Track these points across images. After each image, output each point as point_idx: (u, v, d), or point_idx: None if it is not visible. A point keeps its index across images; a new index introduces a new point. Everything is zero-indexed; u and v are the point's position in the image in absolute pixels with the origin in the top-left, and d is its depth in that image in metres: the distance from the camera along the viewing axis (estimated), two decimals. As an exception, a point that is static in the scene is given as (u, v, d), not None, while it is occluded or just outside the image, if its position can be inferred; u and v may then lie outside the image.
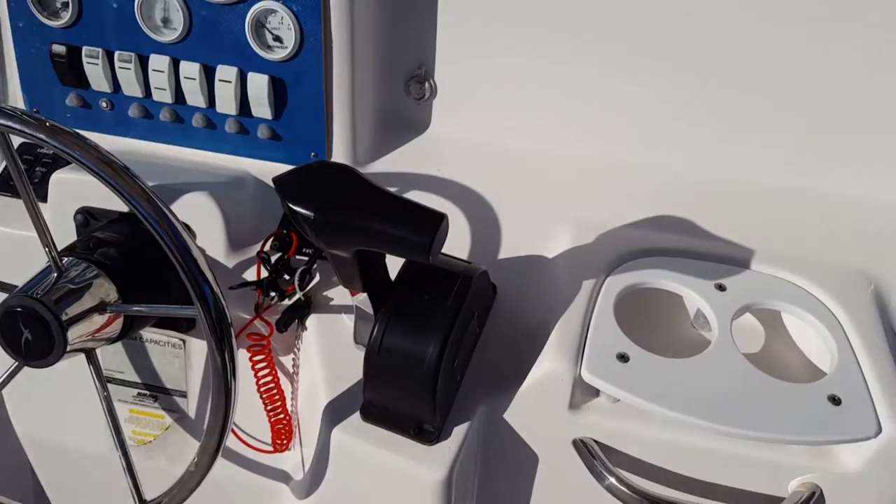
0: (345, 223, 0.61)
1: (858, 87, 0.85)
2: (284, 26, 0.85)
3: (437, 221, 0.60)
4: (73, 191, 0.84)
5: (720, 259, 0.82)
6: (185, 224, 0.82)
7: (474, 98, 0.96)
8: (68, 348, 0.70)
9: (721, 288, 0.78)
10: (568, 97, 0.93)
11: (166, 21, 0.87)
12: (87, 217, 0.86)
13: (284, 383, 0.86)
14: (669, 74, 0.89)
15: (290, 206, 0.61)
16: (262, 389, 0.83)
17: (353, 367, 0.73)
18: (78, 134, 0.62)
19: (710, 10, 0.84)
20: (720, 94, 0.89)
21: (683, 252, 0.82)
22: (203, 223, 0.84)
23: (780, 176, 0.92)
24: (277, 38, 0.86)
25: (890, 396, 0.69)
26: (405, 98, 0.98)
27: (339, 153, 0.91)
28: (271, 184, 0.64)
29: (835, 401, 0.69)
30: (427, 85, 0.96)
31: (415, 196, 0.89)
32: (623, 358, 0.71)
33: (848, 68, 0.85)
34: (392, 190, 0.64)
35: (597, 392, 0.73)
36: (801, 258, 0.82)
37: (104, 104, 0.94)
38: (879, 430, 0.67)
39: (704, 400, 0.68)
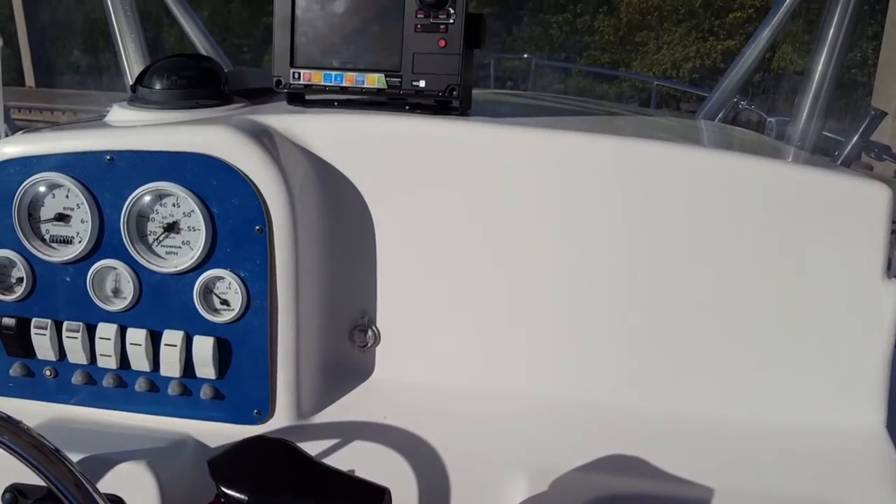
0: None
1: (801, 320, 0.90)
2: (232, 291, 0.89)
3: (376, 499, 0.59)
4: (3, 468, 0.81)
5: (682, 502, 0.80)
6: (117, 498, 0.79)
7: (417, 342, 0.98)
8: None
9: None
10: (509, 337, 0.96)
11: (116, 291, 0.91)
12: (16, 495, 0.80)
13: None
14: (609, 311, 0.93)
15: (224, 490, 0.61)
16: None
17: None
18: (9, 418, 0.61)
19: (651, 251, 0.91)
20: (660, 332, 0.93)
21: (645, 497, 0.80)
22: (137, 494, 0.80)
23: (727, 408, 0.92)
24: (225, 302, 0.90)
25: None
26: (349, 346, 1.00)
27: (283, 408, 0.91)
28: (211, 447, 0.63)
29: None
30: (370, 332, 0.99)
31: (361, 446, 0.88)
32: None
33: (788, 303, 0.90)
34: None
35: None
36: (764, 496, 0.80)
37: (48, 372, 0.94)
38: None
39: None
